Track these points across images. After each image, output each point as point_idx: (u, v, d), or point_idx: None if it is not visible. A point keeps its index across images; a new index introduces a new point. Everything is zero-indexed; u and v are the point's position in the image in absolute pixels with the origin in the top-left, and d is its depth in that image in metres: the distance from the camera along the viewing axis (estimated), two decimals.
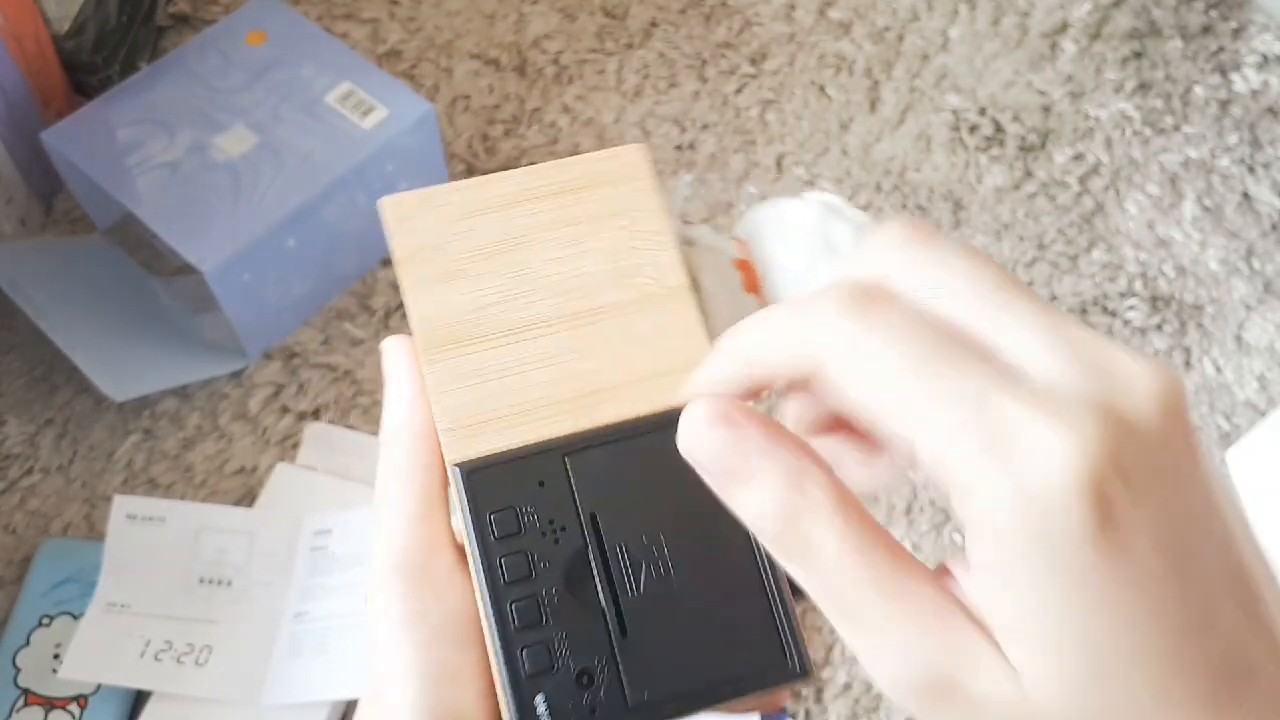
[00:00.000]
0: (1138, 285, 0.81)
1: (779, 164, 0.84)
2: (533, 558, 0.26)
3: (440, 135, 0.76)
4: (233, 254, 0.66)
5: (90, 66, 0.78)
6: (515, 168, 0.32)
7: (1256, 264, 0.83)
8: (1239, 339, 0.79)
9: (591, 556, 0.27)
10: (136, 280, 0.74)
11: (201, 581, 0.63)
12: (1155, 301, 0.80)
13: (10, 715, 0.58)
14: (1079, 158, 0.87)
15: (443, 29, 0.89)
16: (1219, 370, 0.78)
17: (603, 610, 0.26)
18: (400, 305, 0.75)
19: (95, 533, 0.66)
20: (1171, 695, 0.18)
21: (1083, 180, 0.85)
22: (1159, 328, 0.79)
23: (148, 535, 0.63)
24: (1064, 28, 0.93)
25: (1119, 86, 0.90)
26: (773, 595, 0.26)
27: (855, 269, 0.21)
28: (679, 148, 0.84)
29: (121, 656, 0.59)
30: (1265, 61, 0.93)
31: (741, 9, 0.92)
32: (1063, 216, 0.84)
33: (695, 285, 0.43)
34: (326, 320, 0.75)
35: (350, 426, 0.71)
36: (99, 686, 0.59)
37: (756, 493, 0.20)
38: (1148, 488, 0.18)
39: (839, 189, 0.83)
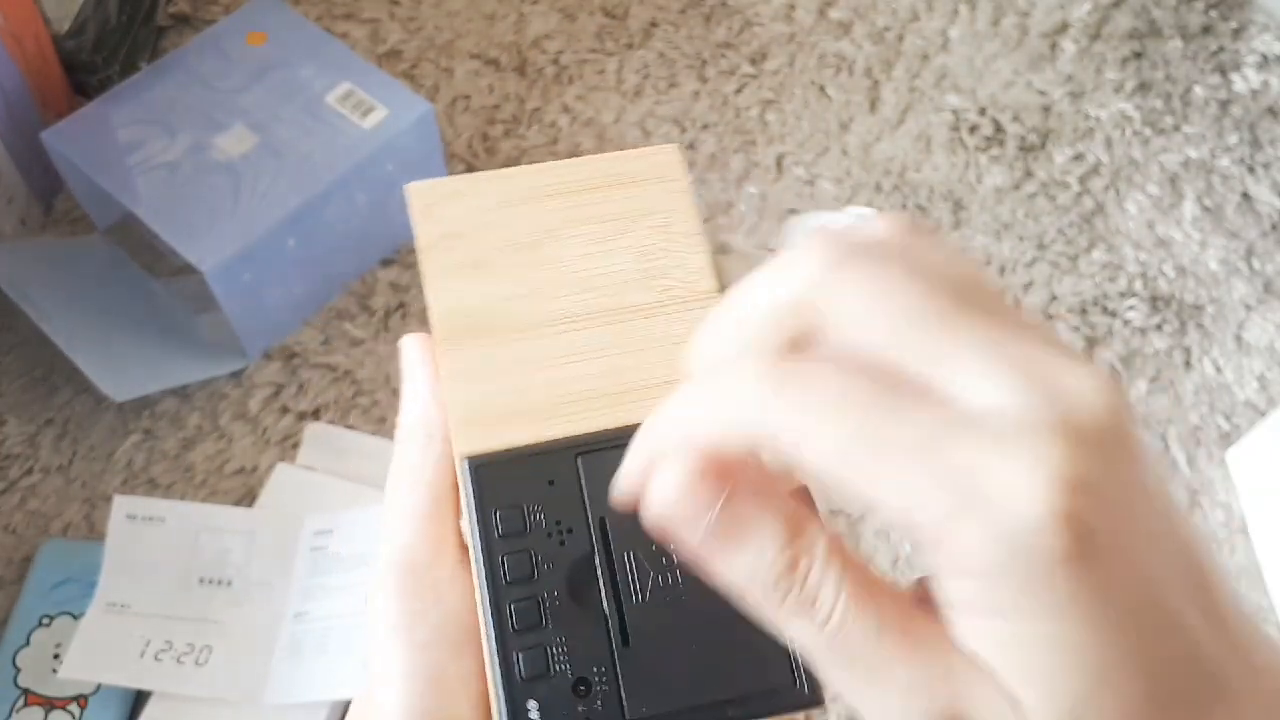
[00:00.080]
0: (1138, 285, 0.81)
1: (779, 164, 0.84)
2: (536, 558, 0.25)
3: (440, 135, 0.76)
4: (233, 254, 0.66)
5: (90, 66, 0.78)
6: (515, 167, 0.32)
7: (1256, 264, 0.83)
8: (1239, 339, 0.79)
9: (597, 561, 0.26)
10: (136, 280, 0.74)
11: (201, 581, 0.63)
12: (1155, 301, 0.80)
13: (10, 715, 0.58)
14: (1079, 158, 0.87)
15: (443, 29, 0.89)
16: (1219, 370, 0.78)
17: (605, 618, 0.25)
18: (400, 306, 0.75)
19: (95, 533, 0.66)
20: (1155, 711, 0.18)
21: (1083, 180, 0.85)
22: (1159, 328, 0.79)
23: (148, 535, 0.63)
24: (1064, 28, 0.93)
25: (1119, 86, 0.90)
26: None
27: (780, 298, 0.20)
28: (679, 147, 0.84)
29: (121, 656, 0.59)
30: (1265, 61, 0.93)
31: (741, 9, 0.92)
32: (1063, 216, 0.84)
33: (725, 292, 0.43)
34: (326, 320, 0.75)
35: (350, 426, 0.71)
36: (99, 686, 0.59)
37: (752, 554, 0.19)
38: (1113, 499, 0.18)
39: (839, 189, 0.83)
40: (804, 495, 0.24)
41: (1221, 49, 0.93)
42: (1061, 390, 0.18)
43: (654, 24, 0.91)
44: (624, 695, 0.25)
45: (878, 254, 0.19)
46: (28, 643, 0.61)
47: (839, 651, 0.19)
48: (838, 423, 0.18)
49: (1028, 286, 0.80)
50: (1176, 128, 0.89)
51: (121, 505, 0.63)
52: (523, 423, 0.27)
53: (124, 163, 0.69)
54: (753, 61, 0.90)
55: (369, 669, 0.27)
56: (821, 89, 0.89)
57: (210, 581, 0.63)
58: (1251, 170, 0.87)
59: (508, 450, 0.27)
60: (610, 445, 0.26)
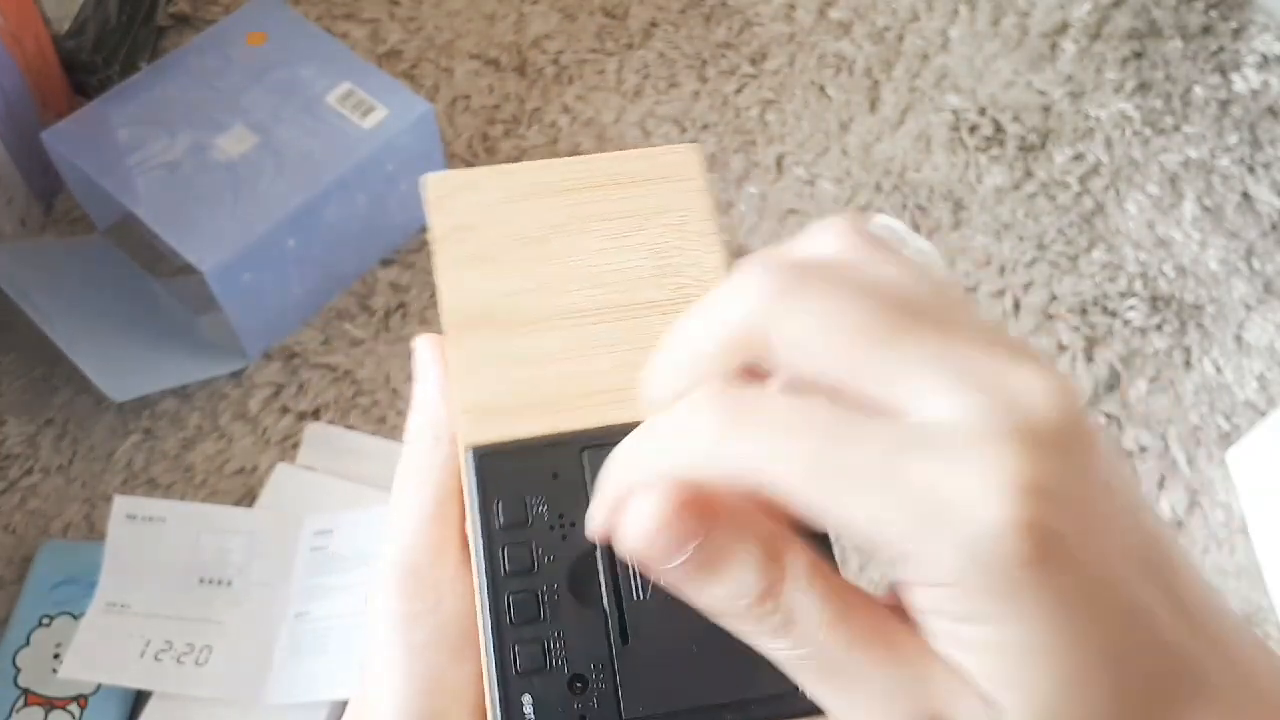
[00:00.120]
0: (1138, 285, 0.81)
1: (779, 164, 0.84)
2: (537, 551, 0.25)
3: (440, 135, 0.76)
4: (233, 254, 0.66)
5: (90, 66, 0.78)
6: None
7: (1256, 264, 0.83)
8: (1239, 339, 0.79)
9: (599, 557, 0.25)
10: (136, 280, 0.74)
11: (201, 581, 0.63)
12: (1155, 301, 0.80)
13: (10, 715, 0.58)
14: (1079, 158, 0.87)
15: (443, 29, 0.89)
16: (1219, 370, 0.78)
17: (605, 615, 0.25)
18: (400, 306, 0.75)
19: (95, 533, 0.66)
20: (1127, 708, 0.19)
21: (1083, 180, 0.85)
22: (1159, 328, 0.79)
23: (148, 535, 0.63)
24: (1064, 28, 0.93)
25: (1119, 86, 0.90)
26: None
27: (726, 329, 0.20)
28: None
29: (121, 656, 0.59)
30: (1265, 61, 0.93)
31: (741, 9, 0.92)
32: (1063, 216, 0.84)
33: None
34: (326, 320, 0.75)
35: (350, 426, 0.71)
36: (99, 686, 0.59)
37: (731, 583, 0.19)
38: (1072, 499, 0.18)
39: (839, 189, 0.83)
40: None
41: (1221, 49, 0.93)
42: (1012, 396, 0.18)
43: (654, 24, 0.91)
44: (621, 694, 0.24)
45: (819, 276, 0.19)
46: (28, 643, 0.61)
47: (818, 666, 0.19)
48: (793, 451, 0.18)
49: (1028, 286, 0.80)
50: (1176, 128, 0.89)
51: (121, 505, 0.64)
52: (529, 415, 0.27)
53: (124, 163, 0.69)
54: (753, 61, 0.90)
55: (366, 668, 0.27)
56: (821, 89, 0.89)
57: (210, 581, 0.63)
58: (1251, 170, 0.87)
59: (513, 441, 0.26)
60: (617, 441, 0.26)
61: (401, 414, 0.71)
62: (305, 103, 0.72)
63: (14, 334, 0.72)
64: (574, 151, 0.83)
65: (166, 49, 0.85)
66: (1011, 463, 0.17)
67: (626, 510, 0.19)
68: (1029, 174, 0.85)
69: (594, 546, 0.25)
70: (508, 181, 0.30)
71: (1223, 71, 0.92)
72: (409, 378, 0.72)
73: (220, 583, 0.63)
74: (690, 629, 0.24)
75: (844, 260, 0.21)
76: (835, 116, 0.87)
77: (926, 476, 0.17)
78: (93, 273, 0.73)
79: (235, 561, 0.63)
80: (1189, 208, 0.85)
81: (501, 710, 0.24)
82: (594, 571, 0.25)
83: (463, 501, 0.27)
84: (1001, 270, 0.81)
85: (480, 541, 0.25)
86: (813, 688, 0.20)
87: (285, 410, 0.71)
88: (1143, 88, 0.91)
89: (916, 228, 0.82)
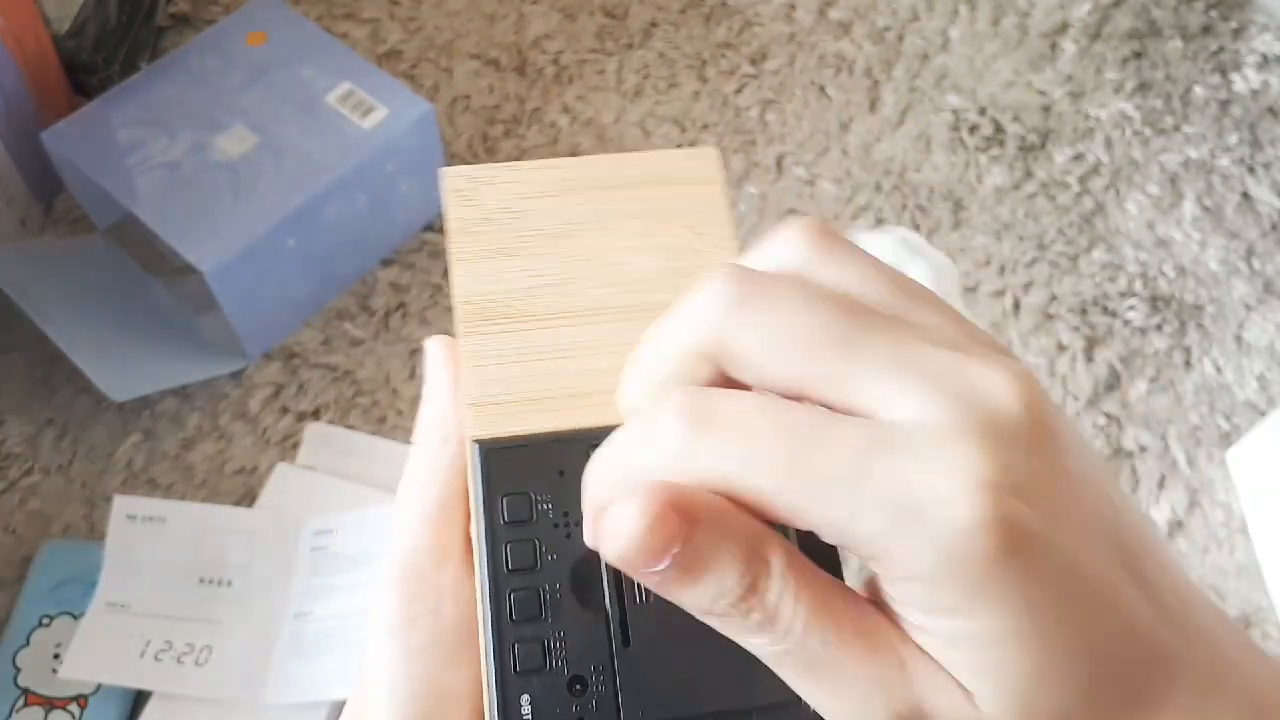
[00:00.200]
0: (1138, 285, 0.81)
1: (779, 164, 0.84)
2: (540, 548, 0.25)
3: (440, 135, 0.76)
4: (233, 254, 0.66)
5: (90, 66, 0.78)
6: None
7: (1256, 264, 0.83)
8: (1239, 339, 0.79)
9: (601, 557, 0.25)
10: (136, 280, 0.74)
11: (201, 581, 0.63)
12: (1155, 301, 0.80)
13: (10, 715, 0.58)
14: (1079, 158, 0.87)
15: (443, 29, 0.89)
16: (1219, 370, 0.78)
17: (606, 616, 0.24)
18: (400, 306, 0.75)
19: (95, 533, 0.66)
20: (1099, 693, 0.19)
21: (1083, 180, 0.85)
22: (1159, 328, 0.79)
23: (148, 535, 0.63)
24: (1064, 28, 0.93)
25: (1119, 86, 0.90)
26: None
27: (687, 343, 0.20)
28: (679, 147, 0.84)
29: (121, 656, 0.59)
30: (1265, 61, 0.93)
31: (741, 9, 0.92)
32: (1063, 216, 0.84)
33: None
34: (326, 320, 0.75)
35: (350, 426, 0.71)
36: (99, 686, 0.59)
37: (713, 584, 0.19)
38: (1038, 491, 0.18)
39: (839, 189, 0.83)
40: None
41: (1221, 49, 0.93)
42: (973, 392, 0.18)
43: (654, 24, 0.91)
44: (620, 698, 0.24)
45: (773, 285, 0.20)
46: (28, 643, 0.61)
47: (799, 660, 0.19)
48: (762, 456, 0.18)
49: (1028, 286, 0.80)
50: (1176, 128, 0.89)
51: (121, 505, 0.64)
52: (537, 411, 0.26)
53: (124, 163, 0.69)
54: (753, 61, 0.90)
55: (364, 668, 0.27)
56: (821, 89, 0.89)
57: (210, 581, 0.63)
58: (1251, 170, 0.87)
59: (519, 437, 0.26)
60: None
61: (402, 414, 0.71)
62: (305, 103, 0.72)
63: (14, 334, 0.72)
64: (574, 151, 0.83)
65: (166, 49, 0.85)
66: (978, 460, 0.18)
67: (603, 519, 0.19)
68: (1029, 174, 0.85)
69: None
70: (526, 178, 0.29)
71: (1223, 71, 0.92)
72: (409, 377, 0.73)
73: (220, 583, 0.63)
74: (693, 634, 0.24)
75: (801, 266, 0.21)
76: (835, 116, 0.87)
77: (896, 478, 0.18)
78: (93, 273, 0.73)
79: (235, 561, 0.63)
80: (1189, 208, 0.85)
81: (499, 709, 0.24)
82: (597, 572, 0.25)
83: (469, 503, 0.27)
84: (1001, 270, 0.81)
85: (484, 537, 0.25)
86: (794, 681, 0.20)
87: (285, 410, 0.71)
88: (1143, 88, 0.91)
89: (916, 227, 0.82)
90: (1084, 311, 0.79)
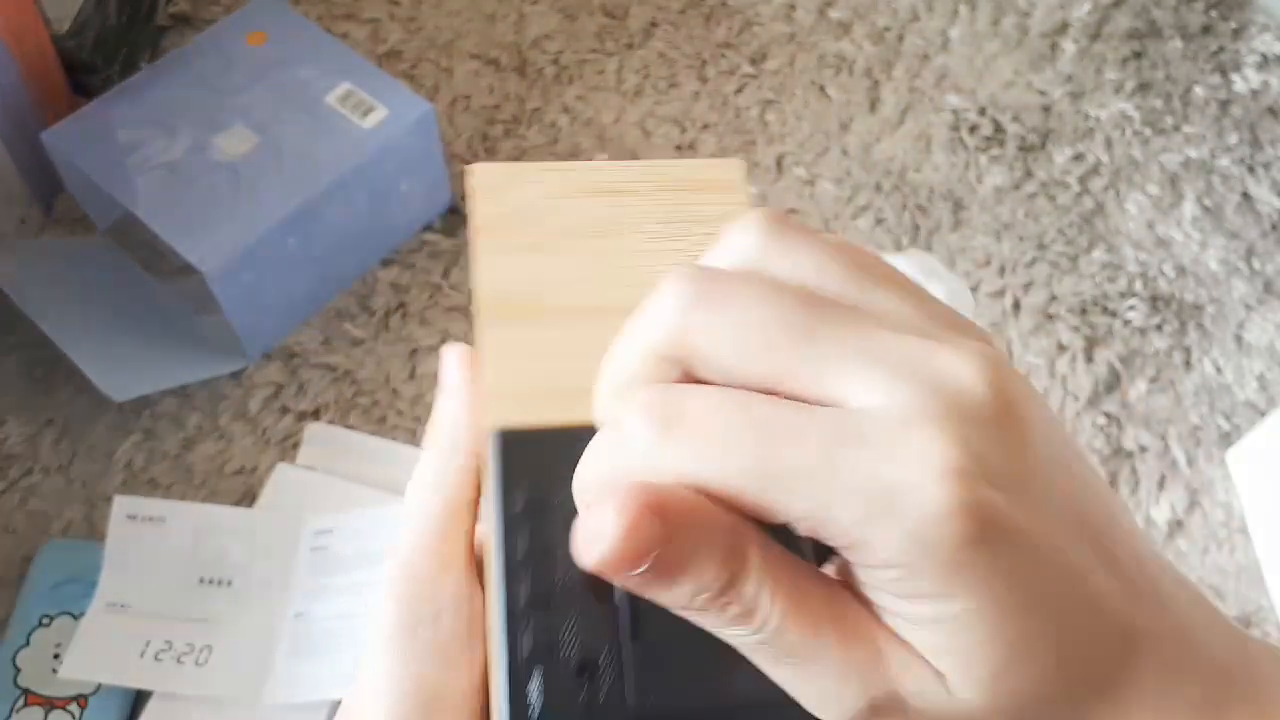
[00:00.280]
0: (1138, 285, 0.81)
1: (779, 164, 0.84)
2: (555, 538, 0.25)
3: (440, 135, 0.76)
4: (233, 254, 0.66)
5: (90, 66, 0.78)
6: None
7: (1256, 264, 0.83)
8: (1239, 339, 0.79)
9: None
10: (136, 280, 0.74)
11: (201, 581, 0.63)
12: (1155, 301, 0.80)
13: (10, 715, 0.58)
14: (1079, 158, 0.87)
15: (443, 29, 0.89)
16: (1219, 370, 0.78)
17: (617, 608, 0.25)
18: (400, 306, 0.75)
19: (95, 533, 0.66)
20: (1069, 671, 0.19)
21: (1083, 180, 0.86)
22: (1159, 328, 0.79)
23: (148, 535, 0.63)
24: (1064, 28, 0.93)
25: (1119, 86, 0.90)
26: None
27: (649, 346, 0.20)
28: (679, 148, 0.84)
29: (121, 656, 0.59)
30: (1265, 61, 0.93)
31: (741, 9, 0.92)
32: (1063, 216, 0.84)
33: None
34: (326, 320, 0.75)
35: (350, 426, 0.71)
36: (99, 686, 0.59)
37: (691, 582, 0.19)
38: (1006, 474, 0.18)
39: (839, 189, 0.83)
40: None
41: (1221, 49, 0.93)
42: (939, 377, 0.18)
43: (654, 24, 0.91)
44: (629, 685, 0.24)
45: (731, 282, 0.20)
46: (28, 643, 0.61)
47: (776, 650, 0.20)
48: (730, 455, 0.18)
49: (1028, 286, 0.80)
50: (1176, 128, 0.89)
51: (121, 505, 0.64)
52: (556, 403, 0.27)
53: (124, 163, 0.69)
54: (753, 61, 0.90)
55: (361, 669, 0.27)
56: (821, 89, 0.89)
57: (210, 581, 0.63)
58: (1251, 170, 0.87)
59: (538, 427, 0.26)
60: None
61: (401, 414, 0.71)
62: (305, 103, 0.72)
63: (14, 334, 0.72)
64: (574, 152, 0.84)
65: (166, 49, 0.85)
66: (946, 446, 0.18)
67: (577, 526, 0.19)
68: (1029, 174, 0.85)
69: None
70: (554, 178, 0.30)
71: (1223, 71, 0.92)
72: (409, 377, 0.73)
73: (220, 583, 0.63)
74: (703, 630, 0.24)
75: (756, 260, 0.21)
76: (835, 116, 0.87)
77: (866, 467, 0.18)
78: (93, 273, 0.73)
79: (235, 561, 0.63)
80: (1189, 208, 0.85)
81: (508, 692, 0.24)
82: None
83: (475, 511, 0.27)
84: (1001, 270, 0.81)
85: (499, 525, 0.25)
86: (769, 669, 0.20)
87: (285, 410, 0.71)
88: (1143, 88, 0.91)
89: (916, 228, 0.82)
90: (1084, 311, 0.79)
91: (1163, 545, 0.71)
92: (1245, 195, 0.86)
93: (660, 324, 0.20)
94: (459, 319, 0.74)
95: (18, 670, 0.60)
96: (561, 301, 0.28)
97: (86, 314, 0.70)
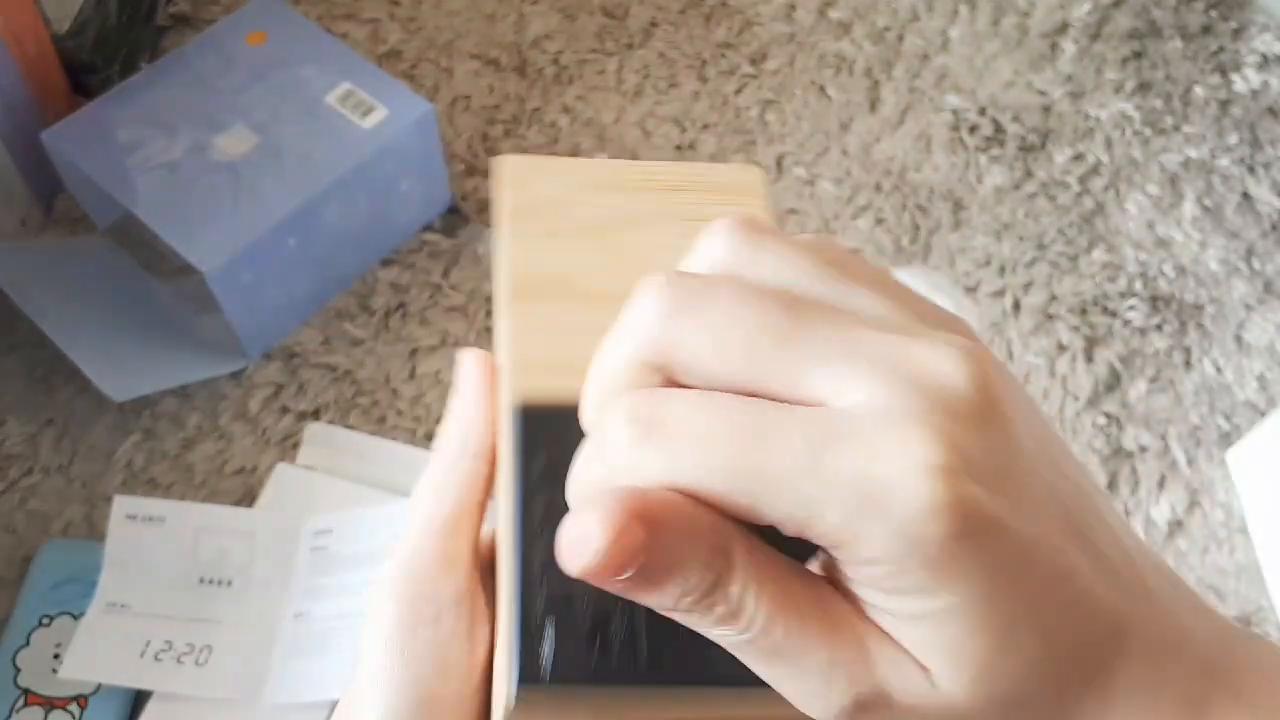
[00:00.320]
0: (1138, 285, 0.81)
1: (779, 164, 0.84)
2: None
3: (440, 135, 0.76)
4: (233, 254, 0.66)
5: (90, 66, 0.78)
6: None
7: (1256, 264, 0.83)
8: (1239, 339, 0.79)
9: None
10: (136, 280, 0.74)
11: (201, 581, 0.63)
12: (1155, 301, 0.80)
13: (10, 715, 0.58)
14: (1079, 158, 0.87)
15: (443, 29, 0.89)
16: (1219, 370, 0.78)
17: None
18: (400, 306, 0.75)
19: (95, 533, 0.66)
20: (1055, 665, 0.19)
21: (1083, 180, 0.86)
22: (1159, 328, 0.79)
23: (148, 535, 0.63)
24: (1064, 28, 0.93)
25: (1119, 86, 0.90)
26: None
27: (629, 356, 0.20)
28: (679, 148, 0.84)
29: (121, 656, 0.59)
30: (1265, 61, 0.93)
31: (741, 9, 0.92)
32: (1063, 216, 0.84)
33: None
34: (326, 320, 0.75)
35: (350, 426, 0.71)
36: (99, 686, 0.59)
37: (677, 585, 0.19)
38: (990, 469, 0.18)
39: (839, 189, 0.83)
40: None
41: (1221, 49, 0.93)
42: (921, 374, 0.18)
43: (654, 24, 0.91)
44: (642, 645, 0.24)
45: (708, 287, 0.20)
46: (28, 643, 0.61)
47: (763, 648, 0.20)
48: (713, 458, 0.18)
49: (1028, 286, 0.80)
50: (1176, 128, 0.89)
51: (121, 505, 0.64)
52: (575, 381, 0.27)
53: (124, 163, 0.69)
54: (753, 61, 0.90)
55: (359, 668, 0.27)
56: (821, 89, 0.89)
57: (210, 581, 0.63)
58: (1251, 170, 0.87)
59: (556, 403, 0.26)
60: None
61: (401, 414, 0.71)
62: (305, 103, 0.72)
63: (14, 334, 0.72)
64: (574, 152, 0.84)
65: (166, 49, 0.85)
66: (929, 443, 0.18)
67: (560, 533, 0.19)
68: (1029, 174, 0.85)
69: None
70: (580, 171, 0.31)
71: (1223, 71, 0.92)
72: (409, 377, 0.73)
73: (220, 583, 0.63)
74: None
75: (733, 264, 0.21)
76: (835, 116, 0.87)
77: (850, 465, 0.18)
78: (93, 273, 0.73)
79: (235, 561, 0.63)
80: (1189, 208, 0.85)
81: (520, 657, 0.24)
82: None
83: (481, 516, 0.27)
84: (1001, 270, 0.81)
85: (516, 496, 0.25)
86: (756, 666, 0.20)
87: (285, 410, 0.71)
88: (1143, 88, 0.91)
89: (916, 228, 0.82)
90: (1084, 311, 0.79)
91: (1163, 545, 0.72)
92: (1245, 195, 0.86)
93: (640, 331, 0.20)
94: (459, 319, 0.74)
95: (18, 670, 0.60)
96: (585, 286, 0.29)
97: (86, 314, 0.70)
